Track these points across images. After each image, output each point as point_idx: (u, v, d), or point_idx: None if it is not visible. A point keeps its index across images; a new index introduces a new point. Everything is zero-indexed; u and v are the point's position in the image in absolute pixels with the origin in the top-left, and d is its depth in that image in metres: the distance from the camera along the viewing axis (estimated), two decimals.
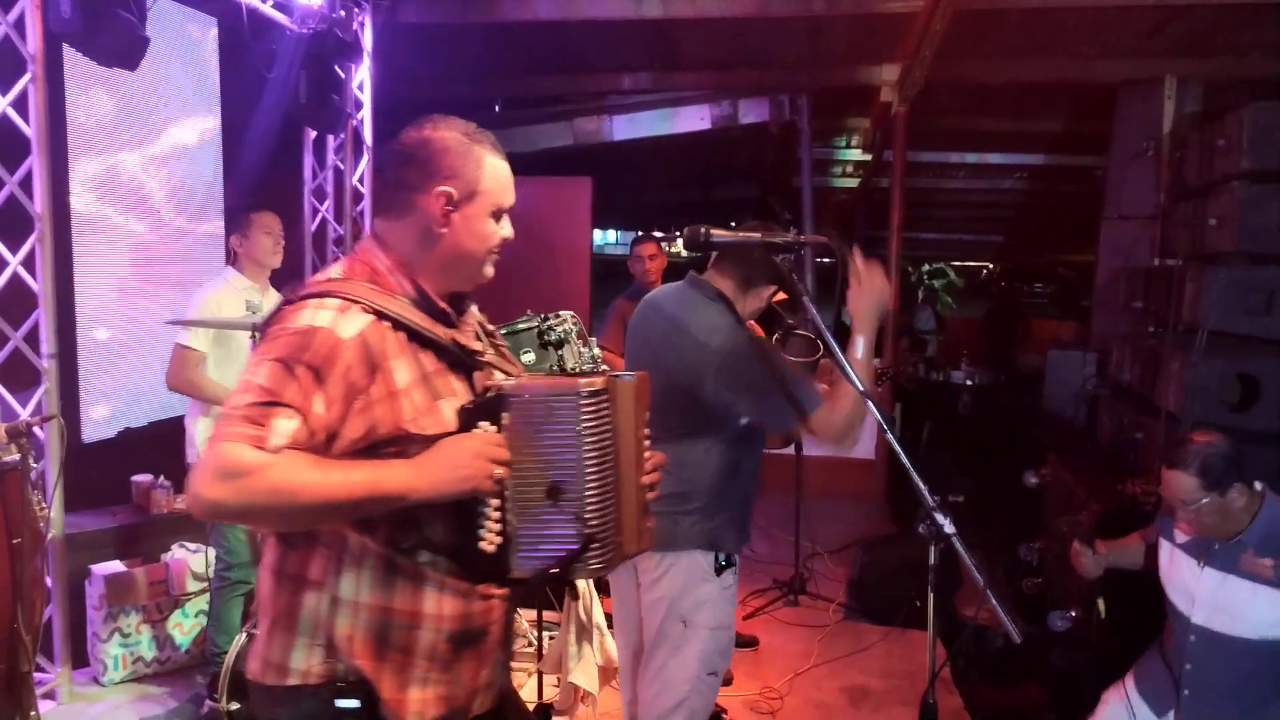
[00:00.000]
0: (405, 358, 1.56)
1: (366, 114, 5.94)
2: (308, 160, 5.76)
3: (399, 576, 1.56)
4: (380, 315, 1.55)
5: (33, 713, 2.71)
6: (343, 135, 5.81)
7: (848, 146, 10.81)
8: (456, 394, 1.61)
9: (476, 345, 1.69)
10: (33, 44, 3.44)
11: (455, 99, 7.63)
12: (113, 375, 4.38)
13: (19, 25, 3.43)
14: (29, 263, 3.51)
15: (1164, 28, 5.83)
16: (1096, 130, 7.20)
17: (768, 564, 5.35)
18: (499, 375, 1.69)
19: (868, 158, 10.80)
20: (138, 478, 4.24)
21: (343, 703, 1.53)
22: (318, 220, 5.85)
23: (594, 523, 1.56)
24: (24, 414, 3.55)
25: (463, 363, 1.64)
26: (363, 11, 5.71)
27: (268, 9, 4.94)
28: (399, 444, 1.53)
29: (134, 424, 4.52)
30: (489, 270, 1.69)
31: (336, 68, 5.35)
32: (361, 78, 5.84)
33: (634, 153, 8.74)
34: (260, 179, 5.37)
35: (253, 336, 3.17)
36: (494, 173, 1.65)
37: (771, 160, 10.52)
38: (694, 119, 7.91)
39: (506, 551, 1.58)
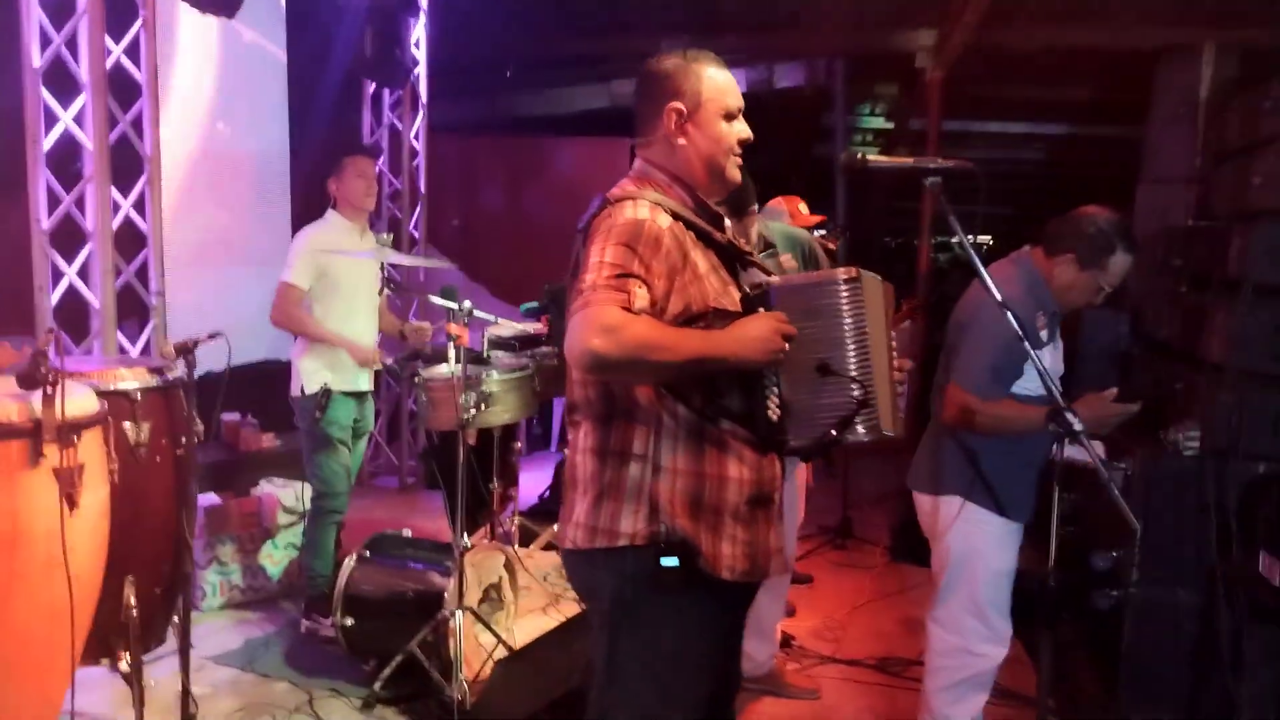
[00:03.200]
0: (698, 250, 1.83)
1: (422, 71, 6.07)
2: (366, 116, 5.89)
3: (706, 444, 1.80)
4: (675, 215, 1.80)
5: (176, 617, 2.91)
6: (400, 92, 5.94)
7: (871, 114, 10.90)
8: (734, 286, 1.88)
9: (745, 245, 1.96)
10: None
11: (500, 58, 7.77)
12: (198, 316, 4.55)
13: None
14: (139, 204, 3.67)
15: None
16: (1125, 99, 7.34)
17: (811, 512, 5.56)
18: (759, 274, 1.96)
19: (890, 126, 10.91)
20: (226, 416, 4.42)
21: (666, 560, 1.77)
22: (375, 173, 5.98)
23: (860, 390, 1.79)
24: (134, 350, 3.74)
25: (735, 260, 1.91)
26: None
27: None
28: (707, 319, 1.78)
29: (214, 367, 4.69)
30: (734, 172, 1.92)
31: (399, 23, 5.48)
32: (418, 35, 5.96)
33: None
34: (323, 132, 5.51)
35: (388, 284, 3.28)
36: (713, 81, 1.88)
37: (793, 128, 10.64)
38: None
39: (785, 421, 1.83)
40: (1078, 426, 1.95)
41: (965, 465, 2.75)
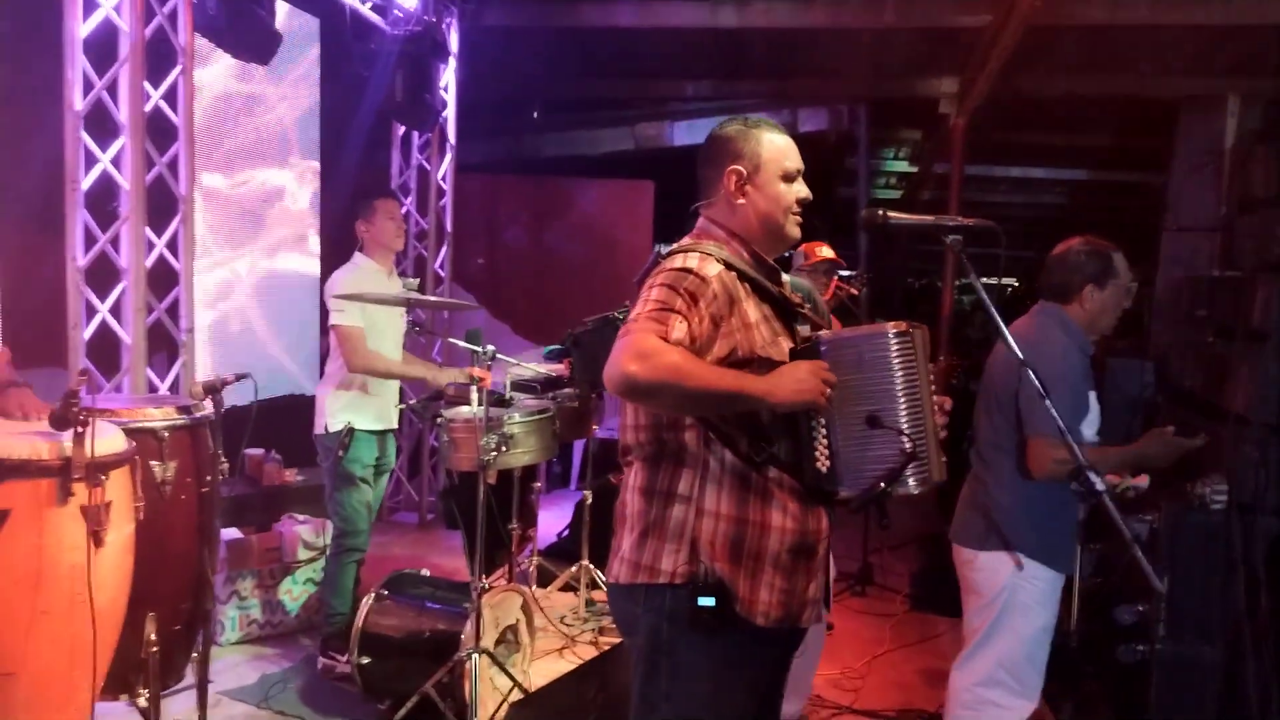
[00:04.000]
0: (751, 301, 1.89)
1: (451, 113, 6.18)
2: (395, 157, 5.99)
3: (751, 491, 1.85)
4: (728, 266, 1.87)
5: (194, 654, 2.93)
6: (428, 134, 6.05)
7: (895, 158, 10.99)
8: (785, 338, 1.93)
9: (798, 300, 2.02)
10: (184, 37, 3.68)
11: (526, 100, 7.89)
12: (221, 354, 4.62)
13: (172, 18, 3.67)
14: (172, 244, 3.74)
15: (1224, 47, 6.01)
16: (1145, 145, 7.36)
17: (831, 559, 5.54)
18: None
19: (913, 170, 10.99)
20: (250, 451, 4.47)
21: (703, 600, 1.82)
22: (402, 214, 6.08)
23: (910, 444, 1.81)
24: (162, 386, 3.80)
25: (789, 313, 1.97)
26: (450, 15, 5.96)
27: (366, 10, 5.19)
28: (753, 366, 1.84)
29: (239, 403, 4.75)
30: (793, 229, 2.00)
31: (429, 68, 5.59)
32: (447, 79, 6.08)
33: (693, 161, 8.95)
34: (353, 173, 5.62)
35: (413, 327, 3.30)
36: (772, 144, 1.98)
37: (818, 171, 10.72)
38: None
39: (835, 471, 1.85)
40: (1100, 487, 1.95)
41: (1019, 519, 2.72)
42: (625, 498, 1.97)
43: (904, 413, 1.82)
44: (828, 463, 1.86)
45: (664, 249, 1.96)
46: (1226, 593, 3.26)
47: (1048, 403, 2.08)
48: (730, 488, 1.85)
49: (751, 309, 1.89)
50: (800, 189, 2.00)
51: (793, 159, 1.99)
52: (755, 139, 1.97)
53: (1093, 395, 2.78)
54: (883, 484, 1.80)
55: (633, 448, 1.95)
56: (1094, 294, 2.76)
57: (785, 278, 2.47)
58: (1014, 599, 2.72)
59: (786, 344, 1.92)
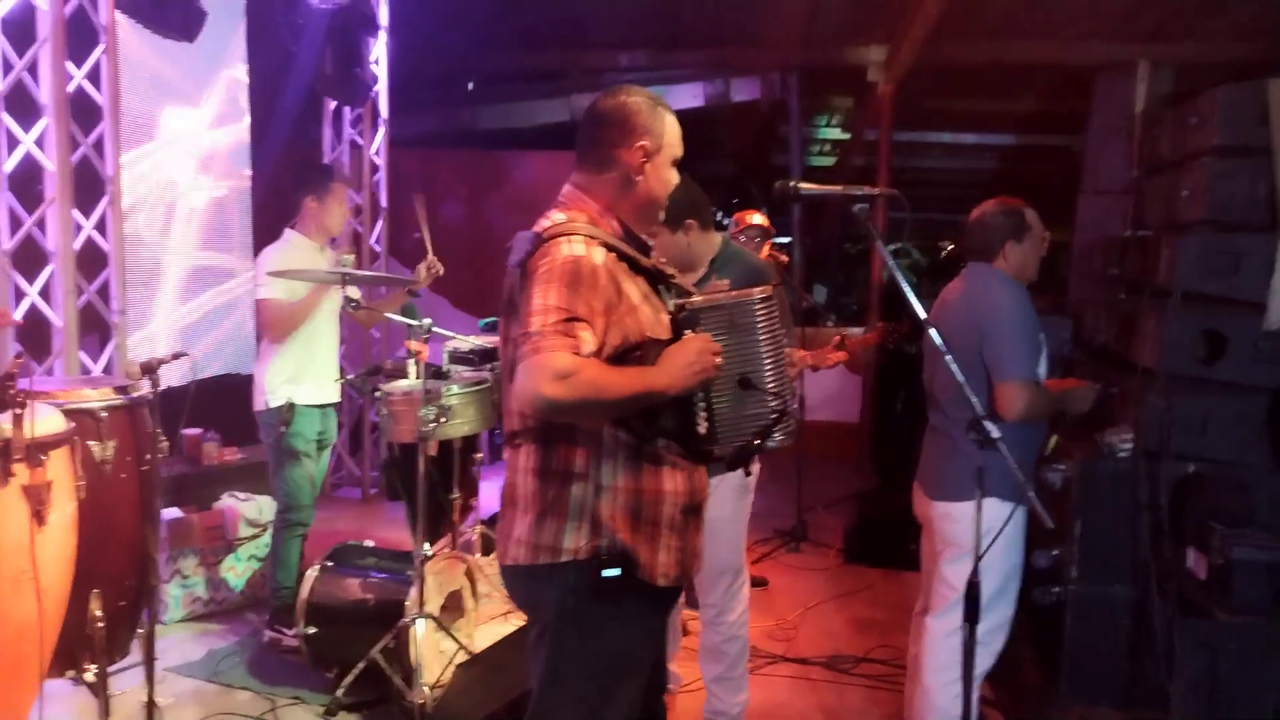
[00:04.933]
0: (630, 281, 1.92)
1: (383, 87, 6.15)
2: (326, 132, 5.96)
3: (644, 461, 1.91)
4: (609, 247, 1.88)
5: (140, 630, 2.97)
6: (360, 109, 6.01)
7: (828, 125, 11.12)
8: (662, 310, 1.98)
9: (668, 269, 2.05)
10: (105, 16, 3.64)
11: (460, 73, 7.84)
12: (158, 332, 4.59)
13: None
14: (100, 225, 3.72)
15: (1138, 14, 6.23)
16: (1067, 111, 7.57)
17: (766, 516, 5.71)
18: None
19: (846, 136, 11.13)
20: (187, 431, 4.47)
21: (608, 572, 1.88)
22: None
23: (779, 401, 1.92)
24: (95, 368, 3.79)
25: (660, 282, 2.00)
26: None
27: None
28: (643, 348, 1.89)
29: (175, 383, 4.74)
30: (662, 214, 2.07)
31: (358, 42, 5.56)
32: (378, 52, 6.04)
33: None
34: (283, 148, 5.58)
35: (349, 303, 3.38)
36: (673, 128, 2.02)
37: (751, 139, 10.82)
38: (687, 96, 8.16)
39: (713, 432, 1.95)
40: (995, 434, 2.09)
41: (994, 465, 2.84)
42: (515, 480, 1.97)
43: (769, 373, 1.94)
44: (706, 425, 1.96)
45: (540, 233, 1.89)
46: (1134, 535, 3.45)
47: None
48: (624, 460, 1.90)
49: (633, 290, 1.91)
50: (675, 176, 2.06)
51: (681, 146, 2.04)
52: (661, 118, 1.99)
53: (1041, 335, 2.98)
54: (755, 441, 1.93)
55: (520, 431, 1.95)
56: (1014, 248, 2.98)
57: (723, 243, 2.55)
58: (993, 543, 2.86)
59: (665, 317, 1.97)
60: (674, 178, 2.04)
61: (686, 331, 1.94)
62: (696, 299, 2.00)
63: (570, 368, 1.71)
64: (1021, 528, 2.97)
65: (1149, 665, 3.37)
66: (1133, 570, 3.47)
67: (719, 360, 1.90)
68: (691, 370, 1.87)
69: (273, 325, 3.73)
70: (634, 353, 1.89)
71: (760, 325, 1.94)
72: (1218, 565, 3.14)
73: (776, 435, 1.94)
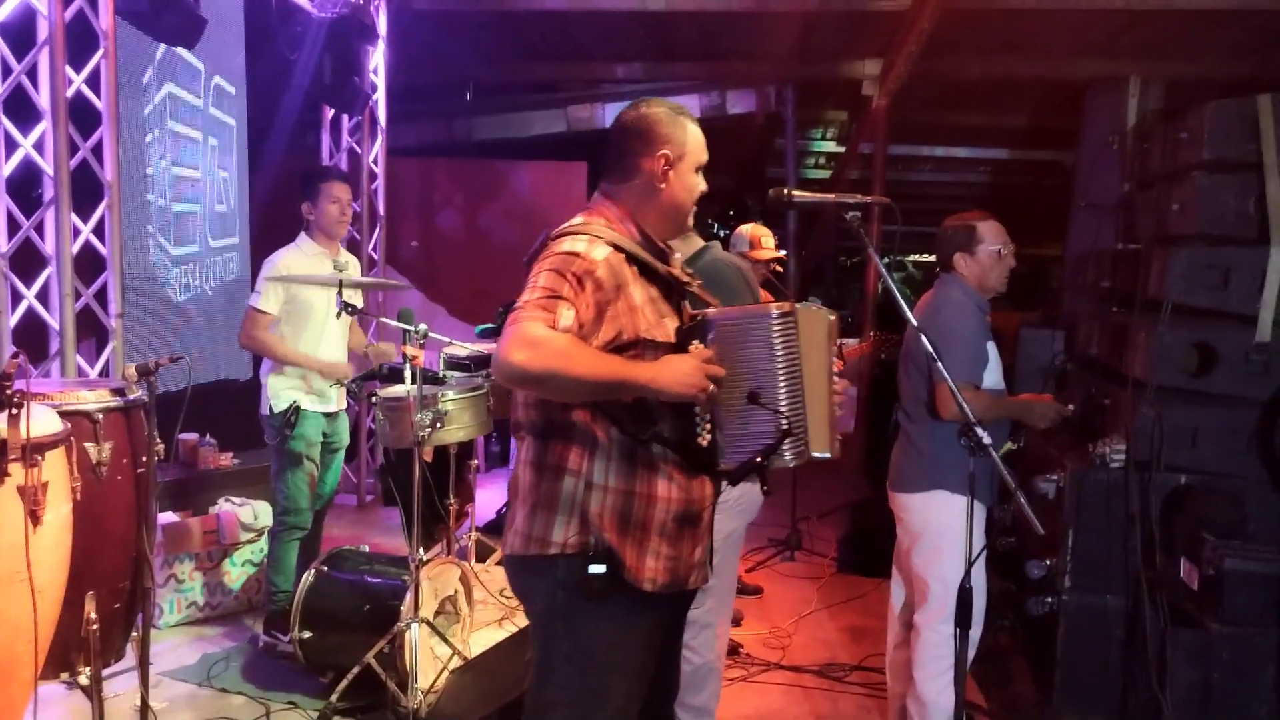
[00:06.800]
0: (638, 284, 1.94)
1: (381, 96, 6.18)
2: (325, 140, 5.98)
3: (638, 464, 1.93)
4: (616, 248, 1.92)
5: (135, 633, 2.97)
6: (359, 117, 6.04)
7: (823, 139, 11.18)
8: (672, 317, 1.99)
9: (685, 278, 2.07)
10: (105, 21, 3.66)
11: (458, 83, 7.89)
12: (155, 337, 4.60)
13: (93, 3, 3.64)
14: (99, 229, 3.73)
15: (1129, 31, 6.30)
16: (1060, 125, 7.63)
17: (760, 526, 5.72)
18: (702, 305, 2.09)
19: (840, 150, 11.19)
20: (184, 435, 4.47)
21: (594, 568, 1.90)
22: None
23: (788, 422, 1.91)
24: (92, 371, 3.79)
25: (676, 292, 2.03)
26: None
27: None
28: (638, 348, 1.91)
29: (173, 387, 4.74)
30: (691, 220, 2.10)
31: (357, 51, 5.58)
32: (376, 62, 6.07)
33: None
34: (281, 155, 5.60)
35: (345, 307, 3.43)
36: (695, 136, 2.06)
37: (747, 151, 10.88)
38: None
39: (716, 446, 1.95)
40: (986, 440, 2.11)
41: (940, 459, 3.00)
42: (518, 472, 2.01)
43: (783, 391, 1.91)
44: (709, 438, 1.95)
45: (551, 231, 1.98)
46: (1126, 545, 3.46)
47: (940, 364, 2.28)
48: (618, 461, 1.92)
49: (638, 291, 1.93)
50: (703, 182, 2.09)
51: (705, 153, 2.08)
52: (683, 127, 2.04)
53: (991, 345, 3.13)
54: (759, 458, 1.91)
55: (524, 424, 1.99)
56: (966, 260, 3.14)
57: (714, 250, 2.56)
58: (949, 533, 2.93)
59: (673, 324, 1.98)
60: (699, 184, 2.07)
61: (695, 342, 1.94)
62: (712, 310, 2.02)
63: (541, 338, 1.74)
64: (979, 518, 3.00)
65: (1141, 675, 3.38)
66: (1125, 581, 3.49)
67: (714, 386, 1.89)
68: (686, 381, 1.86)
69: (249, 336, 3.78)
70: (626, 351, 1.90)
71: (776, 341, 1.92)
72: (1209, 576, 3.15)
73: (785, 454, 1.92)
